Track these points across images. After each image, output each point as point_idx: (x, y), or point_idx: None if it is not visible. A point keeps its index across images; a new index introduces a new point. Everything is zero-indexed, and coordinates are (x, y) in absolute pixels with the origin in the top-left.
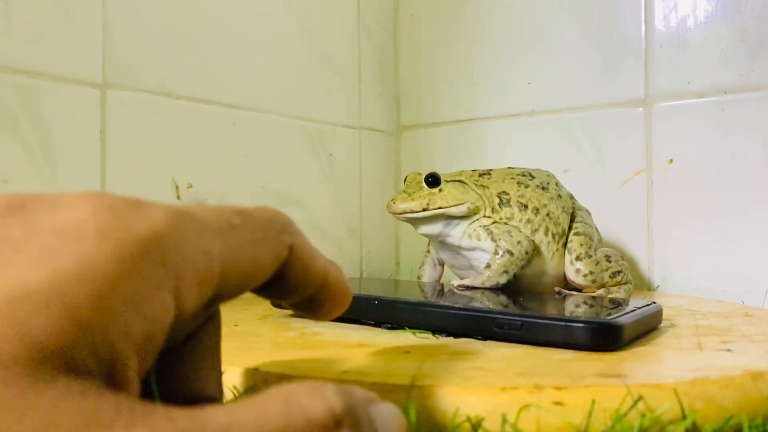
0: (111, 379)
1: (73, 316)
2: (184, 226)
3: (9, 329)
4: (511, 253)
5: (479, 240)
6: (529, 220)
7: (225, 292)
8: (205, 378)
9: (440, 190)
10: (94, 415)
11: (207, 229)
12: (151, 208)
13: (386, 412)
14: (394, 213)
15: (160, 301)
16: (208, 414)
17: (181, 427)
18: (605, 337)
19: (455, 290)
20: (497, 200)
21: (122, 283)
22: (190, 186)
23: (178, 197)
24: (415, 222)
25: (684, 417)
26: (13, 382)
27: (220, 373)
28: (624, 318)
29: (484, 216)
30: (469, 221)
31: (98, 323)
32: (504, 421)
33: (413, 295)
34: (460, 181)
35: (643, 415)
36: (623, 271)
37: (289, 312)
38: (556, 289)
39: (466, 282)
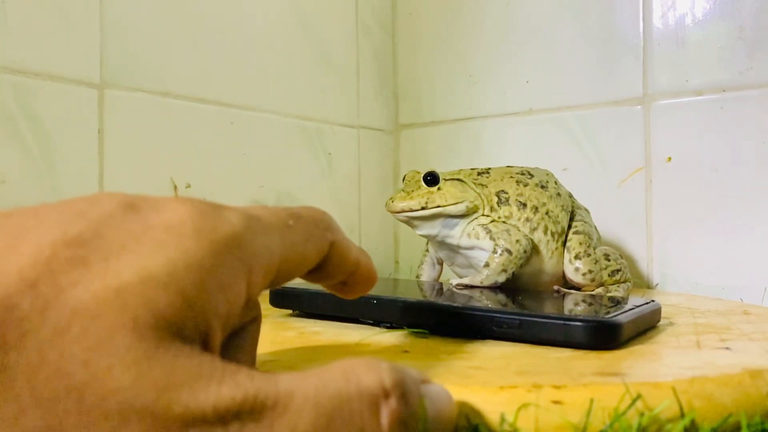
0: (204, 346)
1: (183, 296)
2: (254, 227)
3: (142, 303)
4: (509, 252)
5: (478, 239)
6: (527, 219)
7: (279, 279)
8: None
9: (439, 188)
10: (197, 370)
11: (270, 229)
12: (228, 212)
13: (436, 391)
14: (392, 212)
15: (238, 288)
16: (279, 376)
17: (258, 383)
18: (604, 335)
19: (454, 289)
20: (496, 199)
21: (215, 273)
22: (188, 186)
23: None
24: (414, 222)
25: (682, 415)
26: (144, 341)
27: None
28: (623, 316)
29: (483, 215)
30: (467, 220)
31: (200, 302)
32: (503, 420)
33: (412, 294)
34: (458, 179)
35: (642, 414)
36: (622, 269)
37: (288, 312)
38: (555, 287)
39: (465, 281)
